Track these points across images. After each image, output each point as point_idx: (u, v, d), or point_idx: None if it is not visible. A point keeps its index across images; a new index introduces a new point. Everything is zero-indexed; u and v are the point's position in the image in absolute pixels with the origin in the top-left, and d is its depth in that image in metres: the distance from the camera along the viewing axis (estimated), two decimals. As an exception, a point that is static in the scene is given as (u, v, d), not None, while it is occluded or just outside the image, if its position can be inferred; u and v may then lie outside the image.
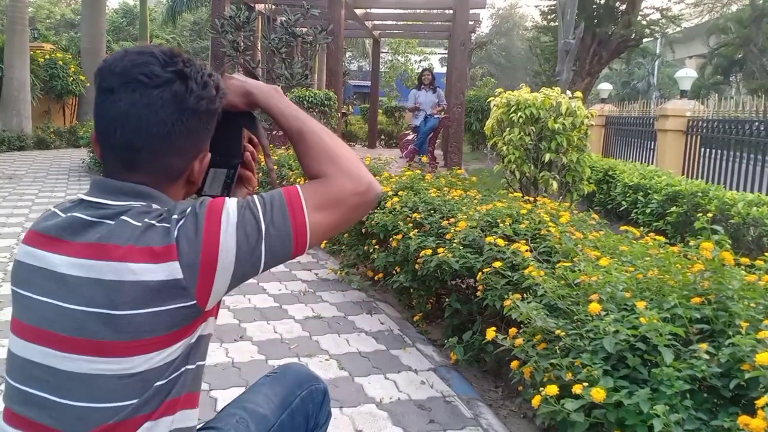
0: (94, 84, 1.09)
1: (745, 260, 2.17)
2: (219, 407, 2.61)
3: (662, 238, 2.48)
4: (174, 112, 1.04)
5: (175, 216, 1.02)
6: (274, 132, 8.84)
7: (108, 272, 0.99)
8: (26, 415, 1.04)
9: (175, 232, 1.00)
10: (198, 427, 1.24)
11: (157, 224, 1.02)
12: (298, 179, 5.67)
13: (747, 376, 1.60)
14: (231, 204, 1.04)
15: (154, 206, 1.06)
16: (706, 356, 1.70)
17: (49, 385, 1.02)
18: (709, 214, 2.24)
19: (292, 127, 1.17)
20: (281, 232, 1.04)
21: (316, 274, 4.81)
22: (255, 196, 1.07)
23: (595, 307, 1.95)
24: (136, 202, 1.05)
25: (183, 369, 1.06)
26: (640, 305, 1.85)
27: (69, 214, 1.06)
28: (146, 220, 1.02)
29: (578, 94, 5.24)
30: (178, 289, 0.99)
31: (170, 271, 0.98)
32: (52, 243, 1.05)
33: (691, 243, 2.19)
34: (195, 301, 1.01)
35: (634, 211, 6.22)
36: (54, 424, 1.02)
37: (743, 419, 1.48)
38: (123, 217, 1.02)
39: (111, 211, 1.04)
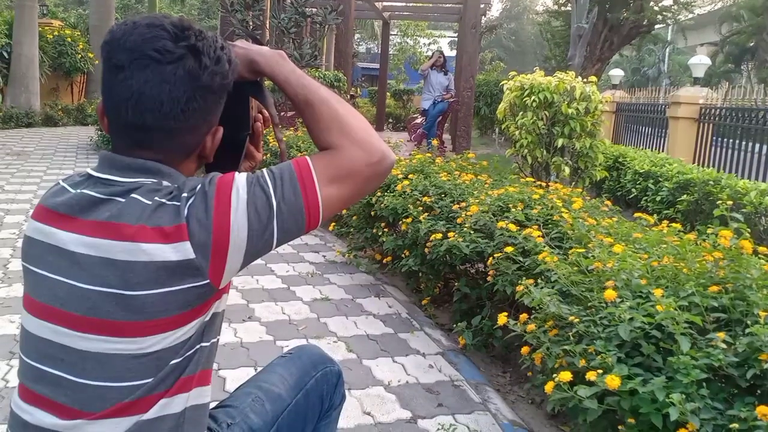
0: (101, 58, 1.04)
1: (763, 249, 2.15)
2: (227, 387, 2.61)
3: (678, 226, 2.45)
4: (188, 90, 1.01)
5: (185, 194, 1.00)
6: (282, 113, 8.79)
7: (120, 252, 0.97)
8: (41, 393, 1.03)
9: (185, 211, 0.98)
10: (213, 405, 1.24)
11: (167, 203, 0.99)
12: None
13: (765, 366, 1.58)
14: (240, 180, 1.01)
15: (165, 183, 1.04)
16: (723, 345, 1.68)
17: (63, 364, 1.01)
18: (729, 202, 2.20)
19: (298, 95, 1.12)
20: (293, 207, 1.01)
21: (324, 256, 4.80)
22: (264, 170, 1.04)
23: (610, 294, 1.93)
24: (146, 178, 1.03)
25: (198, 346, 1.05)
26: (658, 293, 1.83)
27: (78, 191, 1.04)
28: (156, 198, 1.00)
29: (593, 78, 5.18)
30: (191, 269, 0.97)
31: (182, 251, 0.97)
32: (62, 220, 1.03)
33: (709, 231, 2.16)
34: (208, 281, 0.99)
35: (644, 198, 6.18)
36: (69, 402, 1.01)
37: (761, 409, 1.46)
38: (133, 195, 1.00)
39: (120, 188, 1.02)
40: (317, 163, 1.05)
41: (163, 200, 1.00)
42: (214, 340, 1.11)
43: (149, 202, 0.99)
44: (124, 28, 1.02)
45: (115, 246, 0.97)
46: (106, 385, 1.00)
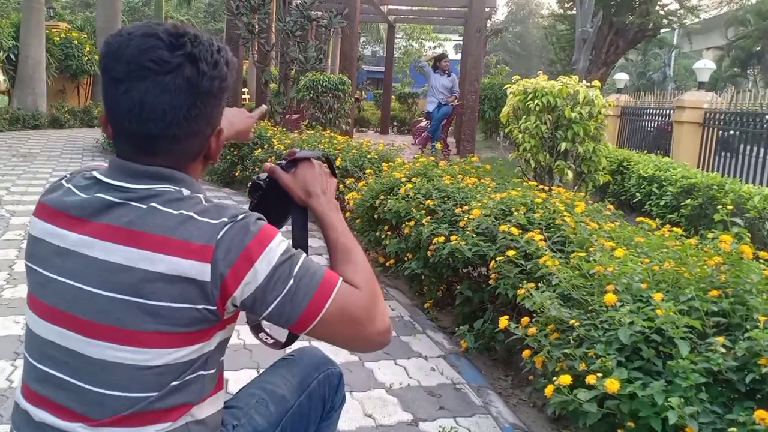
0: (101, 70, 1.05)
1: (763, 254, 2.15)
2: (230, 388, 2.62)
3: (679, 230, 2.46)
4: (188, 98, 1.01)
5: (225, 219, 1.01)
6: (286, 116, 8.82)
7: (140, 260, 0.98)
8: (44, 394, 1.05)
9: (219, 235, 0.99)
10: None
11: (198, 218, 1.01)
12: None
13: (764, 370, 1.59)
14: (281, 245, 1.03)
15: (185, 191, 1.05)
16: (723, 350, 1.68)
17: (68, 367, 1.02)
18: (730, 207, 2.21)
19: (338, 241, 1.19)
20: (296, 305, 1.02)
21: (327, 258, 4.80)
22: (302, 257, 1.06)
23: (610, 298, 1.93)
24: (161, 185, 1.04)
25: (199, 374, 1.06)
26: (657, 297, 1.84)
27: (90, 194, 1.04)
28: (183, 211, 1.01)
29: (596, 83, 5.18)
30: (203, 291, 0.99)
31: (200, 271, 0.98)
32: (73, 222, 1.03)
33: (710, 236, 2.17)
34: (215, 308, 1.01)
35: (648, 203, 6.17)
36: (71, 405, 1.02)
37: (760, 414, 1.47)
38: (153, 204, 1.01)
39: (136, 195, 1.02)
40: (342, 287, 1.07)
41: (192, 214, 1.01)
42: (218, 366, 1.12)
43: (174, 212, 1.00)
44: (119, 40, 1.01)
45: (135, 254, 0.98)
46: (107, 392, 1.01)
